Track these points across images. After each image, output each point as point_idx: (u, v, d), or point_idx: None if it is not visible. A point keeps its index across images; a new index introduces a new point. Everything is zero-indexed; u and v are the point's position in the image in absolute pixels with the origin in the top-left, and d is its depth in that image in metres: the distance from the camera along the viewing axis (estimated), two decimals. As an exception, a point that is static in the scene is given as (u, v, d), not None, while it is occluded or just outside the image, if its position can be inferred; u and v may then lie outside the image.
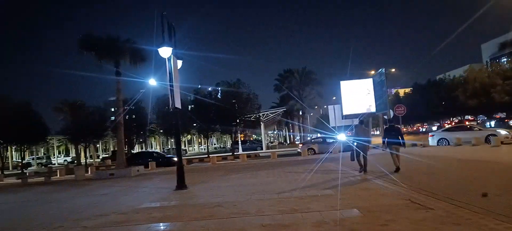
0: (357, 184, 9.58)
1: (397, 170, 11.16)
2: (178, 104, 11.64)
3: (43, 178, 21.47)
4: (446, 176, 10.36)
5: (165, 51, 10.96)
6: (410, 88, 69.40)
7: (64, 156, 71.51)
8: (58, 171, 25.57)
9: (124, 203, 9.46)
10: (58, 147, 68.18)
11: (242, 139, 48.77)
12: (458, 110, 53.31)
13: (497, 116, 54.20)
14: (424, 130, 72.10)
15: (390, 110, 30.85)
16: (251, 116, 38.94)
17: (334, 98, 63.91)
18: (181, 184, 11.33)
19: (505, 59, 64.95)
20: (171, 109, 11.43)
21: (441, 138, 24.37)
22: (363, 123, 14.80)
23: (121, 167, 19.63)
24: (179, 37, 12.44)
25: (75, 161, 46.49)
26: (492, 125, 51.31)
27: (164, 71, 11.66)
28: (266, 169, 16.27)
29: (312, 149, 28.89)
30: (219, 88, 37.87)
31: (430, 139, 25.43)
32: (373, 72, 36.66)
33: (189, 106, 40.50)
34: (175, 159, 15.96)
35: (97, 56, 19.69)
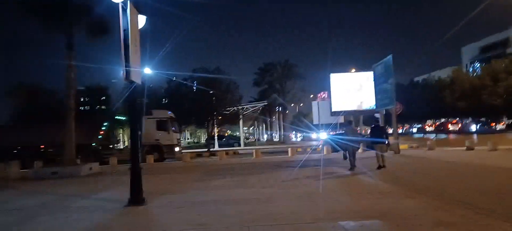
0: (398, 204, 6.07)
1: (379, 167, 11.30)
2: (136, 78, 7.79)
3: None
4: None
5: (117, -9, 7.06)
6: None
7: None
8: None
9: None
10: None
11: (217, 133, 44.79)
12: (444, 111, 51.35)
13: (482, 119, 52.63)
14: (402, 131, 69.73)
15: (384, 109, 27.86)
16: (230, 109, 35.14)
17: (311, 96, 60.91)
18: (136, 196, 7.48)
19: (478, 64, 63.87)
20: (125, 82, 7.50)
21: None
22: (352, 123, 15.20)
23: (69, 164, 15.49)
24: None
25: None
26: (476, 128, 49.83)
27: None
28: (254, 173, 12.58)
29: None
30: (195, 79, 33.72)
31: None
32: (353, 70, 33.43)
33: (163, 99, 36.53)
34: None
35: (43, 22, 15.52)
